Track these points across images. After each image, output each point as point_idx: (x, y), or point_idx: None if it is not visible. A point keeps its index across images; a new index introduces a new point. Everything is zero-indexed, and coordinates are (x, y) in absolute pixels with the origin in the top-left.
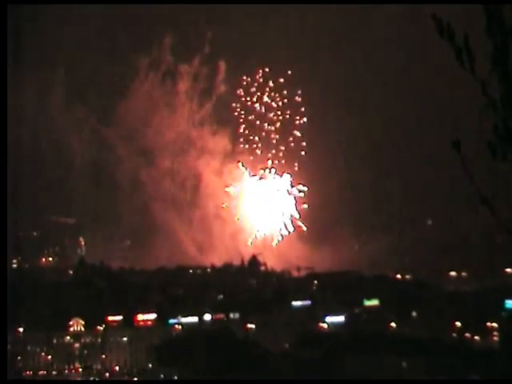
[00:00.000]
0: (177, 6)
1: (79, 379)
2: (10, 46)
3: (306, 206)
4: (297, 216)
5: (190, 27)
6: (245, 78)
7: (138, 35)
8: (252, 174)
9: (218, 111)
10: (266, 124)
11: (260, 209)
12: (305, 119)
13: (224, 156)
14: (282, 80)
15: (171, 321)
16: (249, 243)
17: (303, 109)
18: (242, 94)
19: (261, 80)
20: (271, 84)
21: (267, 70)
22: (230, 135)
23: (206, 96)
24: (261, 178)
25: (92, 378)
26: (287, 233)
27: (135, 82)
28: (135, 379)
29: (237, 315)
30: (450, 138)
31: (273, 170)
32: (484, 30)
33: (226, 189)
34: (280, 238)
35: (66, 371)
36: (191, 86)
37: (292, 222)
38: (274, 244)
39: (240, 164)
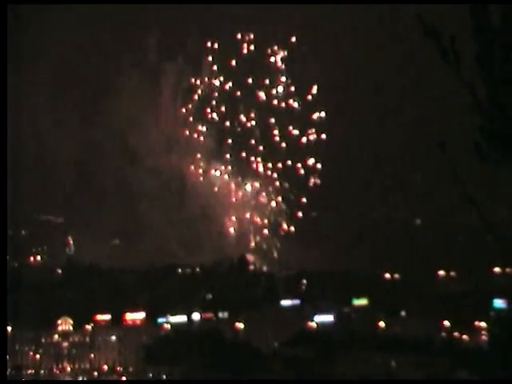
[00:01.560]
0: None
1: (68, 379)
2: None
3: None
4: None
5: (176, 24)
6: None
7: (123, 33)
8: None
9: (204, 110)
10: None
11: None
12: None
13: (210, 155)
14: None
15: (160, 320)
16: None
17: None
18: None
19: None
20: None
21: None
22: (216, 134)
23: (190, 94)
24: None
25: (81, 378)
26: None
27: (119, 81)
28: (135, 379)
29: (226, 314)
30: (437, 138)
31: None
32: (470, 31)
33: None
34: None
35: (55, 370)
36: (176, 84)
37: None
38: (263, 244)
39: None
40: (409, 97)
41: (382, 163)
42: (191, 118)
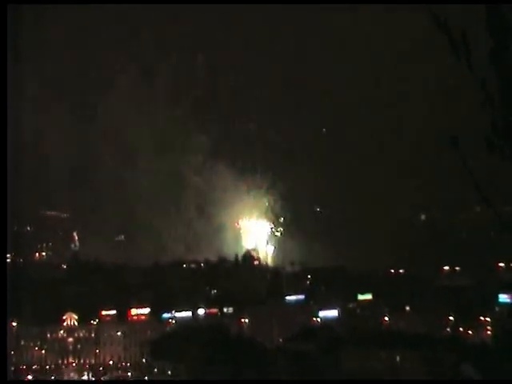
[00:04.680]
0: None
1: (73, 374)
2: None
3: None
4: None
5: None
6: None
7: (118, 33)
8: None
9: (199, 110)
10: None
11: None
12: None
13: (206, 154)
14: None
15: (165, 315)
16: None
17: None
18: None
19: None
20: None
21: None
22: (211, 133)
23: (186, 94)
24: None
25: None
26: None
27: (115, 81)
28: (135, 379)
29: (230, 310)
30: (449, 134)
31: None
32: (484, 27)
33: None
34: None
35: (60, 365)
36: (171, 84)
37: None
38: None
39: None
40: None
41: (386, 158)
42: (187, 118)
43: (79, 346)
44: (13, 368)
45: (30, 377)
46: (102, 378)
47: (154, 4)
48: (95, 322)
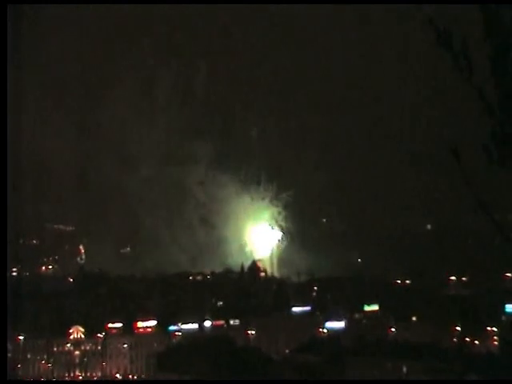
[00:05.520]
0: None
1: None
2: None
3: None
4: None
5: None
6: None
7: (118, 40)
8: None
9: (200, 118)
10: None
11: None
12: None
13: (207, 163)
14: None
15: (171, 328)
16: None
17: None
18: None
19: None
20: None
21: None
22: (212, 142)
23: (187, 103)
24: None
25: None
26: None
27: (115, 89)
28: (135, 379)
29: (237, 321)
30: (449, 143)
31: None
32: (481, 35)
33: None
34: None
35: (67, 379)
36: (172, 93)
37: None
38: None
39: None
40: (420, 105)
41: (391, 169)
42: (188, 126)
43: (86, 359)
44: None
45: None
46: None
47: (154, 4)
48: (101, 335)
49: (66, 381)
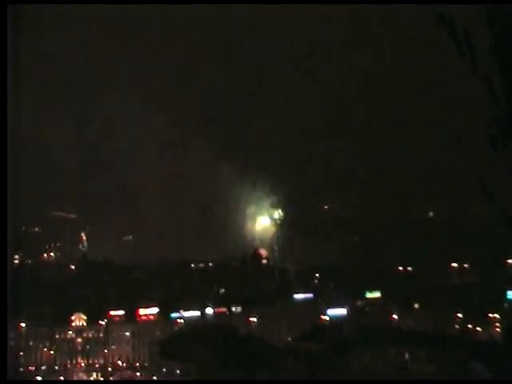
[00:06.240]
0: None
1: (82, 374)
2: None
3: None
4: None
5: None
6: None
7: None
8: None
9: (200, 110)
10: None
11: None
12: None
13: (207, 155)
14: None
15: (173, 315)
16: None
17: None
18: None
19: None
20: None
21: None
22: (212, 134)
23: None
24: None
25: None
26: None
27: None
28: (135, 379)
29: (239, 309)
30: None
31: None
32: (485, 24)
33: None
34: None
35: (69, 366)
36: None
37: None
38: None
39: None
40: (423, 93)
41: (393, 156)
42: (188, 118)
43: (88, 347)
44: (22, 369)
45: (39, 378)
46: (110, 378)
47: (154, 4)
48: (104, 323)
49: (67, 381)
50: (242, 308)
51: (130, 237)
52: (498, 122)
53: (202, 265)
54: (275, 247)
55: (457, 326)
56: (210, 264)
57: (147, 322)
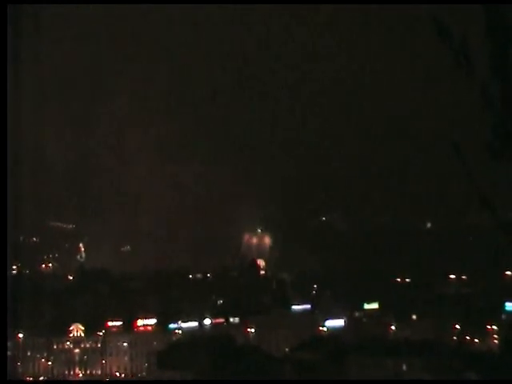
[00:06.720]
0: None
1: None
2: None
3: None
4: None
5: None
6: None
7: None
8: None
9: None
10: None
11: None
12: None
13: (201, 161)
14: None
15: (171, 326)
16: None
17: None
18: None
19: None
20: None
21: None
22: (207, 140)
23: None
24: None
25: None
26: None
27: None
28: (135, 379)
29: (237, 319)
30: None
31: None
32: (482, 30)
33: None
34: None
35: (67, 376)
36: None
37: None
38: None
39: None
40: (420, 102)
41: (391, 166)
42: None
43: (85, 357)
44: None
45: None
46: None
47: (154, 4)
48: (101, 333)
49: (66, 381)
50: (240, 318)
51: (128, 247)
52: (495, 128)
53: (199, 275)
54: (273, 258)
55: (455, 338)
56: (208, 275)
57: (145, 333)
